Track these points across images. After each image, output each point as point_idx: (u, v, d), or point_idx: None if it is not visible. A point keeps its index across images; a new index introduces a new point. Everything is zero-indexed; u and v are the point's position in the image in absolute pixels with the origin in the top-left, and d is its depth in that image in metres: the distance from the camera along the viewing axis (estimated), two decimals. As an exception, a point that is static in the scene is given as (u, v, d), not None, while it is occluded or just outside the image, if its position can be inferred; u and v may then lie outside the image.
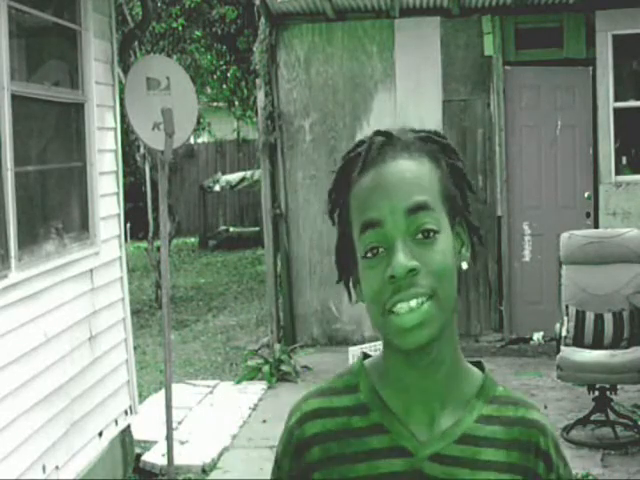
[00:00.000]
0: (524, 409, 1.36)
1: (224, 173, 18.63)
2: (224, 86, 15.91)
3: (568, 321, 6.29)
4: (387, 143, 1.31)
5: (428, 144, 1.34)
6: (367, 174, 1.29)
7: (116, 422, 5.65)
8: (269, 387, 7.53)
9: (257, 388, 7.46)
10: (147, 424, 6.45)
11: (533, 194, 8.71)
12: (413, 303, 1.23)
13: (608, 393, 6.08)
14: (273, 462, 1.41)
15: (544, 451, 1.33)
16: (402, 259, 1.23)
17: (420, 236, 1.25)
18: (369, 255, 1.27)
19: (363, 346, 7.24)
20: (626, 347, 6.14)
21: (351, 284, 1.36)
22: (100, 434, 5.36)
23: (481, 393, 1.36)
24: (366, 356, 1.41)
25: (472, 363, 1.40)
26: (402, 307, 1.24)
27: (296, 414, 1.37)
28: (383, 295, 1.25)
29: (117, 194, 5.88)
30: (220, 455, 6.11)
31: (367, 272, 1.27)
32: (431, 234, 1.25)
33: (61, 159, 5.32)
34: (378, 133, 1.33)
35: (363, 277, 1.29)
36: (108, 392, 5.51)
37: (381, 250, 1.26)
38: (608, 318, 6.22)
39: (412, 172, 1.28)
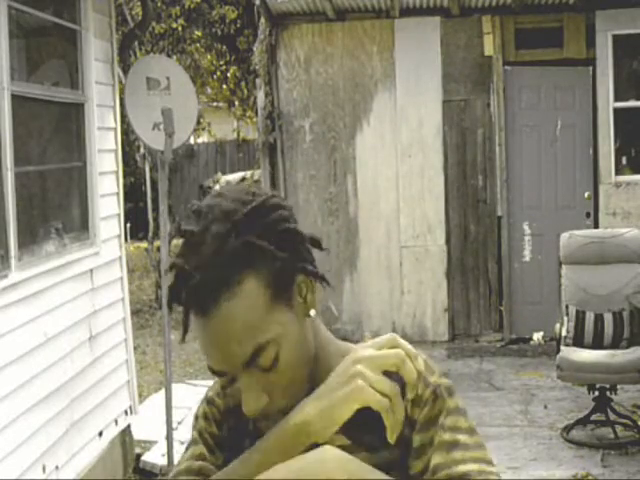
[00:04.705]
0: None
1: (224, 173, 18.62)
2: (224, 86, 15.90)
3: (568, 321, 6.29)
4: (204, 277, 1.20)
5: (245, 229, 1.22)
6: (195, 316, 1.24)
7: (116, 422, 5.65)
8: (269, 387, 7.53)
9: (257, 388, 7.45)
10: (147, 424, 6.44)
11: (533, 194, 8.71)
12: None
13: (608, 393, 6.08)
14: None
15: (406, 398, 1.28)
16: (251, 402, 1.25)
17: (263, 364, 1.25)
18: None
19: (363, 346, 7.23)
20: (626, 347, 6.14)
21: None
22: (100, 434, 5.36)
23: None
24: None
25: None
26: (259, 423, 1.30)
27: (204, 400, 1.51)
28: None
29: (117, 194, 5.88)
30: (220, 455, 6.10)
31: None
32: (271, 364, 1.24)
33: (61, 159, 5.32)
34: (192, 268, 1.21)
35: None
36: (108, 392, 5.51)
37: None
38: (608, 318, 6.22)
39: (237, 317, 1.21)
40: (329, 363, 1.32)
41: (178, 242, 1.32)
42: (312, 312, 1.32)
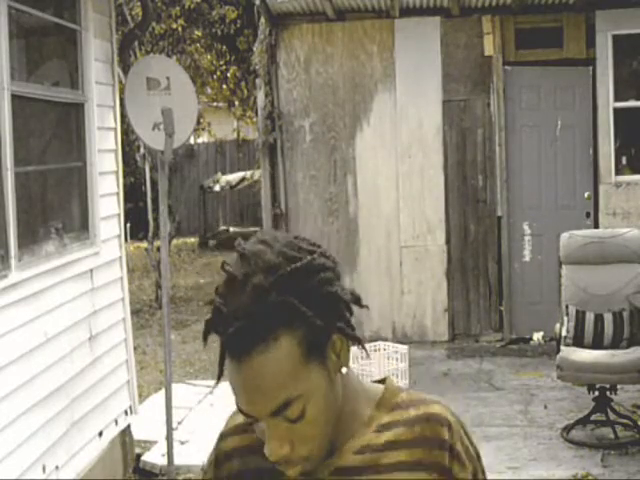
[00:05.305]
0: (425, 406, 1.38)
1: (224, 173, 18.63)
2: (224, 86, 15.90)
3: (568, 321, 6.28)
4: (241, 327, 1.23)
5: (287, 288, 1.24)
6: (228, 360, 1.26)
7: (116, 422, 5.65)
8: (269, 387, 7.52)
9: (257, 388, 7.44)
10: (147, 424, 6.45)
11: (533, 194, 8.71)
12: (291, 471, 1.31)
13: (608, 393, 6.08)
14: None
15: (449, 443, 1.34)
16: (274, 448, 1.27)
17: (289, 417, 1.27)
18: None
19: (363, 346, 7.22)
20: (626, 347, 6.14)
21: None
22: (100, 434, 5.36)
23: (380, 404, 1.39)
24: None
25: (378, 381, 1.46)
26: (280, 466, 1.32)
27: (222, 429, 1.49)
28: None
29: (117, 194, 5.88)
30: (220, 455, 6.10)
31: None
32: (298, 416, 1.26)
33: (61, 159, 5.32)
34: (231, 313, 1.24)
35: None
36: (108, 392, 5.51)
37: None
38: (608, 318, 6.22)
39: (269, 370, 1.23)
40: (355, 410, 1.37)
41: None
42: (344, 370, 1.34)
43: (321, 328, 1.26)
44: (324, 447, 1.31)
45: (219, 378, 1.29)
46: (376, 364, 6.96)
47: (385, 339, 8.05)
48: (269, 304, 1.22)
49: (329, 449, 1.33)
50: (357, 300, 1.35)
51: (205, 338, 1.30)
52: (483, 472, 1.40)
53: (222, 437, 1.48)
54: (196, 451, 6.11)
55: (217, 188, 17.75)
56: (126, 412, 5.85)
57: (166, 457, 5.59)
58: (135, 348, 6.61)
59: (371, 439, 1.35)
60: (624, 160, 8.68)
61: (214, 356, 8.25)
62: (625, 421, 6.15)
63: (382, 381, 1.45)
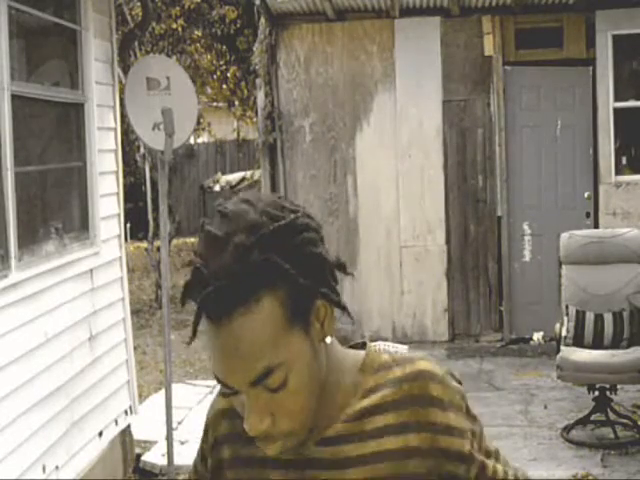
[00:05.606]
0: (410, 364, 1.35)
1: (224, 173, 18.63)
2: (224, 86, 15.90)
3: (568, 321, 6.29)
4: (221, 287, 1.17)
5: (270, 246, 1.19)
6: (207, 324, 1.21)
7: (116, 422, 5.65)
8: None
9: (257, 388, 7.43)
10: (147, 424, 6.44)
11: (533, 194, 8.71)
12: (270, 448, 1.27)
13: (608, 393, 6.08)
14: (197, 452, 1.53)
15: (435, 397, 1.31)
16: (254, 422, 1.23)
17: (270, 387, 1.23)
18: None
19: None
20: (626, 347, 6.14)
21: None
22: (100, 434, 5.36)
23: (363, 369, 1.36)
24: None
25: (354, 346, 1.41)
26: (259, 443, 1.28)
27: (210, 411, 1.46)
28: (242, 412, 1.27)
29: (117, 194, 5.88)
30: (220, 455, 6.10)
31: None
32: (279, 385, 1.22)
33: (61, 159, 5.32)
34: (212, 273, 1.18)
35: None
36: (108, 392, 5.51)
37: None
38: (608, 318, 6.22)
39: (250, 333, 1.19)
40: (339, 380, 1.33)
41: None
42: (328, 339, 1.29)
43: (304, 288, 1.21)
44: (307, 423, 1.26)
45: (193, 337, 1.23)
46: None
47: (385, 339, 8.00)
48: (251, 263, 1.18)
49: (312, 426, 1.29)
50: (341, 266, 1.29)
51: (183, 302, 1.24)
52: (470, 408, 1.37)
53: (212, 421, 1.45)
54: (196, 451, 6.10)
55: (217, 188, 17.76)
56: (126, 412, 5.85)
57: (166, 457, 5.59)
58: (135, 348, 6.62)
59: (357, 405, 1.32)
60: (624, 160, 8.68)
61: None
62: (625, 421, 6.15)
63: (363, 345, 1.41)
